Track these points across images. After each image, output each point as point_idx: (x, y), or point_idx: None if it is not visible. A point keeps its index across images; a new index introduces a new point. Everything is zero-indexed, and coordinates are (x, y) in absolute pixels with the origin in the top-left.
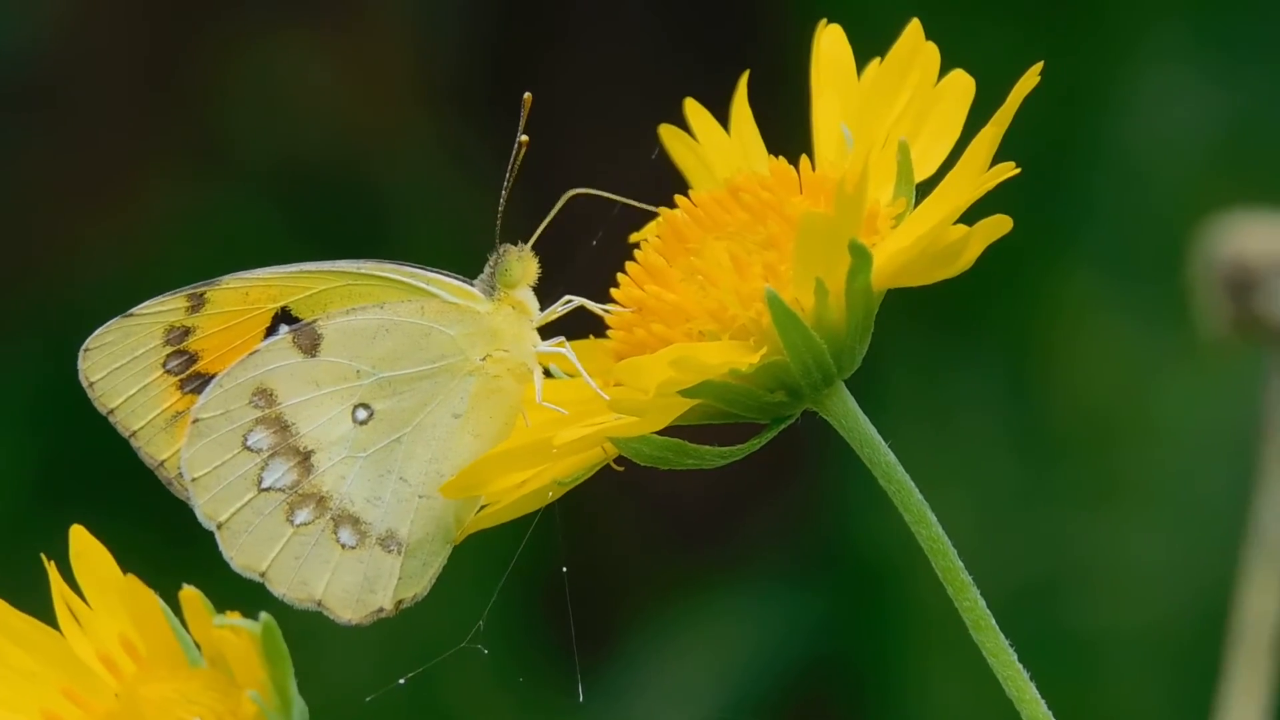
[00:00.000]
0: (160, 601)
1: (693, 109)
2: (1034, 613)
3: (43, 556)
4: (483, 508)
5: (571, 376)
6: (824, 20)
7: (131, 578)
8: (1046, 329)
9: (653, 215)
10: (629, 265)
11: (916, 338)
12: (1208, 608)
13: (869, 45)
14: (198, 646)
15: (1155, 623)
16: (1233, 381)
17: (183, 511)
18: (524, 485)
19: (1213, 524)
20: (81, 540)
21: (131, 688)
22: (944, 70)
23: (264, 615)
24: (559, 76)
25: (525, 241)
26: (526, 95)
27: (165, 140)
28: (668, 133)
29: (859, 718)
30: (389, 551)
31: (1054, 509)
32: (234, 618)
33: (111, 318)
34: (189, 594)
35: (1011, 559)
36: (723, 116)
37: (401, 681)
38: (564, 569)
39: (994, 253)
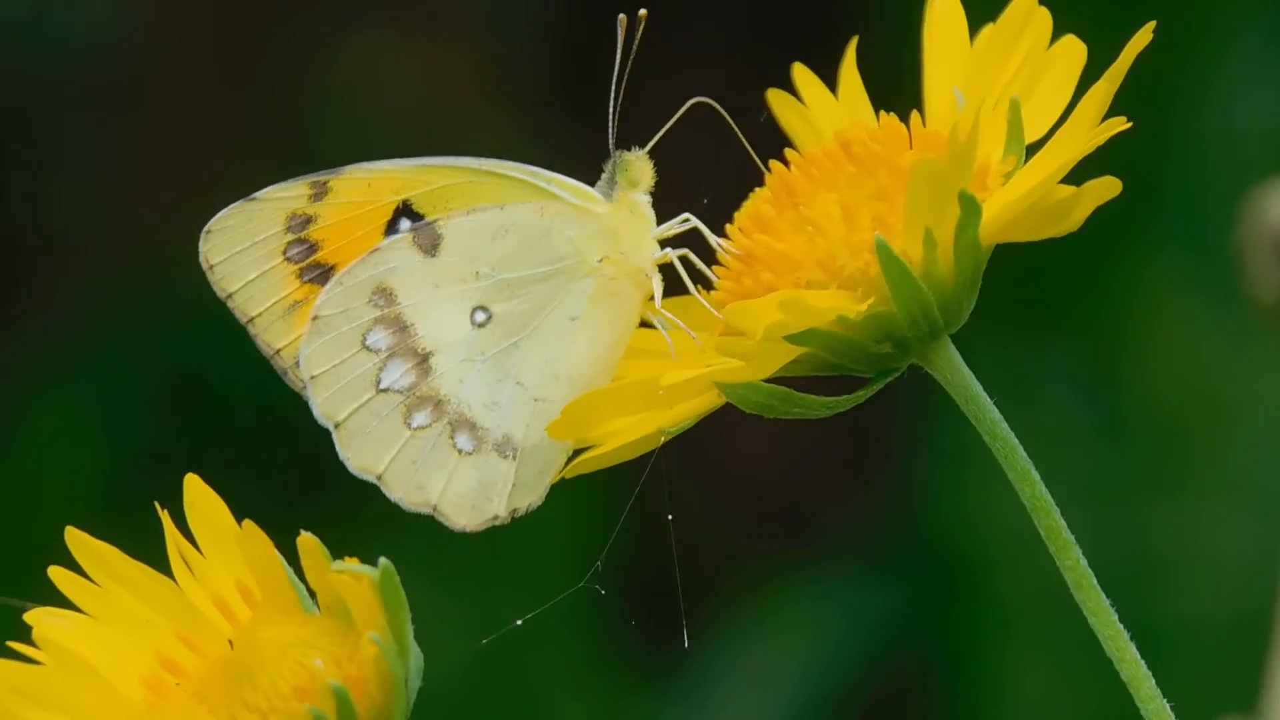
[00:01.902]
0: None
1: (801, 74)
2: (1112, 602)
3: (156, 505)
4: (578, 452)
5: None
6: None
7: (248, 523)
8: (1125, 316)
9: (749, 126)
10: (738, 215)
11: (997, 323)
12: None
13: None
14: (312, 594)
15: (1236, 614)
16: None
17: (249, 492)
18: (627, 431)
19: None
20: (196, 489)
21: (249, 631)
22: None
23: (383, 561)
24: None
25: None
26: (622, 16)
27: (243, 141)
28: (776, 97)
29: (941, 707)
30: (505, 457)
31: (1133, 496)
32: (352, 563)
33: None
34: (307, 540)
35: (1090, 547)
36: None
37: (519, 622)
38: (669, 517)
39: (1072, 239)
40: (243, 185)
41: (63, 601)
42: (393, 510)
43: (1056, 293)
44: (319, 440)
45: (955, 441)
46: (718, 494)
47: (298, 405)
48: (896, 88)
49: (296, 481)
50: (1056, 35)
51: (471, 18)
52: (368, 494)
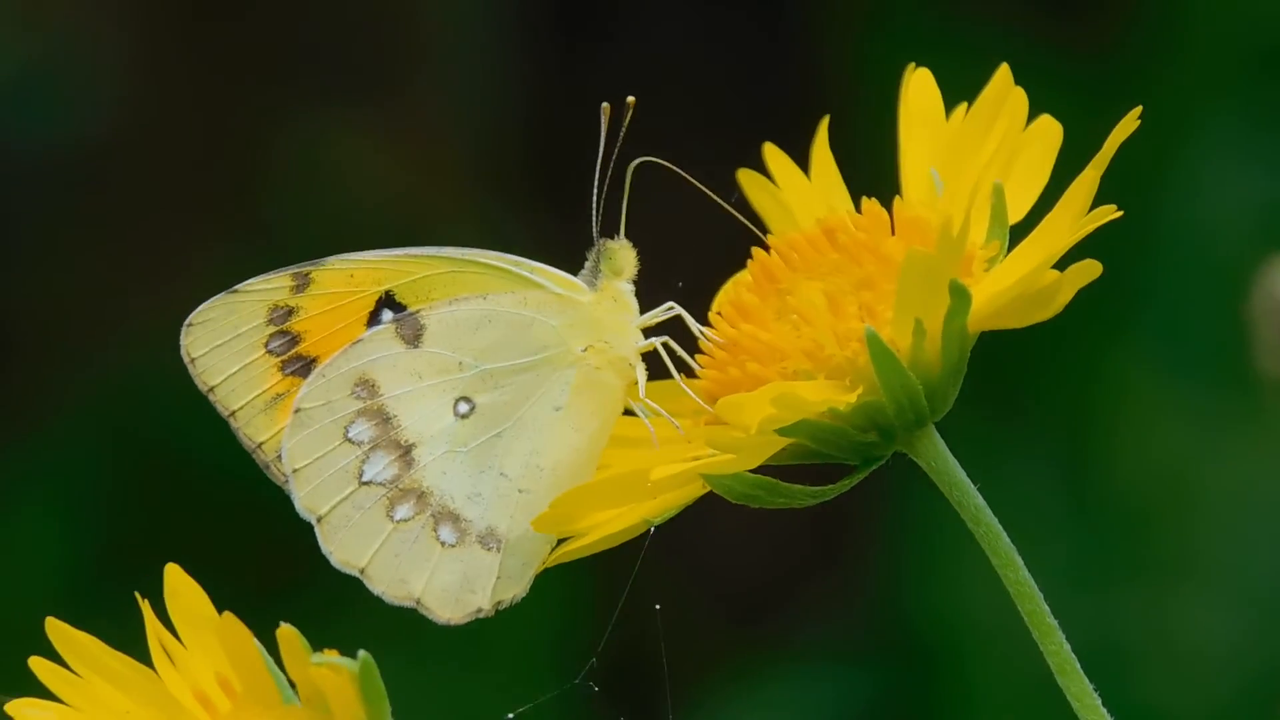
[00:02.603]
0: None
1: (772, 154)
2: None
3: (137, 595)
4: (561, 542)
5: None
6: (912, 64)
7: (228, 615)
8: (1100, 405)
9: (720, 207)
10: (720, 304)
11: (971, 411)
12: (1269, 691)
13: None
14: (292, 685)
15: (1213, 705)
16: None
17: (225, 586)
18: (613, 521)
19: (1272, 603)
20: (176, 578)
21: None
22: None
23: (362, 654)
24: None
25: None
26: (605, 105)
27: (215, 220)
28: (747, 177)
29: None
30: (488, 549)
31: (1108, 585)
32: (331, 656)
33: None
34: (287, 632)
35: (1069, 635)
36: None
37: (510, 717)
38: (657, 607)
39: (1048, 327)
40: (213, 271)
41: (43, 692)
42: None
43: (1026, 375)
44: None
45: (931, 527)
46: (695, 579)
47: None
48: (868, 164)
49: (271, 570)
50: (1032, 115)
51: (441, 115)
52: (347, 584)
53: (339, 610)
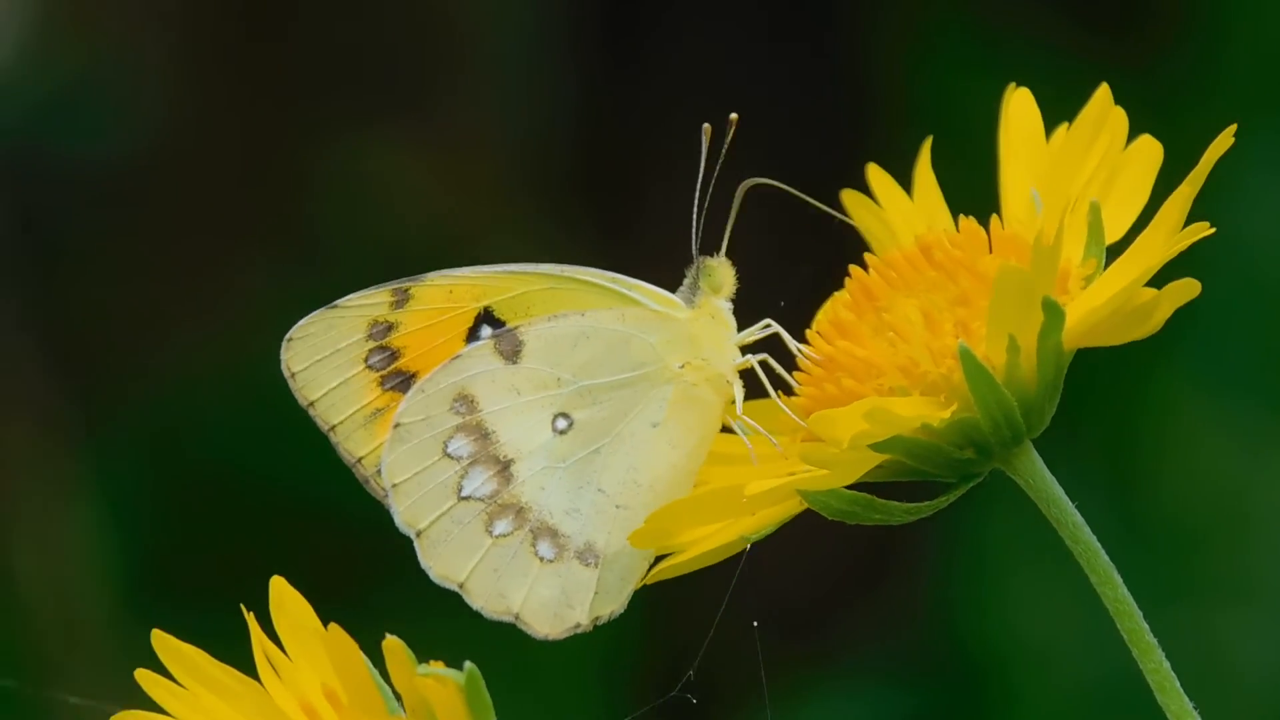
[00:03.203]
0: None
1: (875, 174)
2: (1134, 712)
3: (242, 607)
4: (661, 559)
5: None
6: (1012, 84)
7: (334, 626)
8: (1148, 425)
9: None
10: (819, 322)
11: None
12: None
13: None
14: (398, 696)
15: None
16: None
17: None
18: (711, 538)
19: None
20: (281, 591)
21: None
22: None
23: (468, 664)
24: (644, 167)
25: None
26: (733, 116)
27: (258, 235)
28: (850, 197)
29: None
30: (586, 565)
31: (1157, 605)
32: (437, 667)
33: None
34: (393, 643)
35: (1116, 658)
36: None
37: None
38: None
39: (1095, 348)
40: (257, 285)
41: (147, 704)
42: (418, 614)
43: (1074, 395)
44: (343, 541)
45: (980, 546)
46: (742, 596)
47: (318, 507)
48: (970, 186)
49: (318, 583)
50: (1133, 134)
51: (486, 130)
52: (394, 598)
53: (385, 624)
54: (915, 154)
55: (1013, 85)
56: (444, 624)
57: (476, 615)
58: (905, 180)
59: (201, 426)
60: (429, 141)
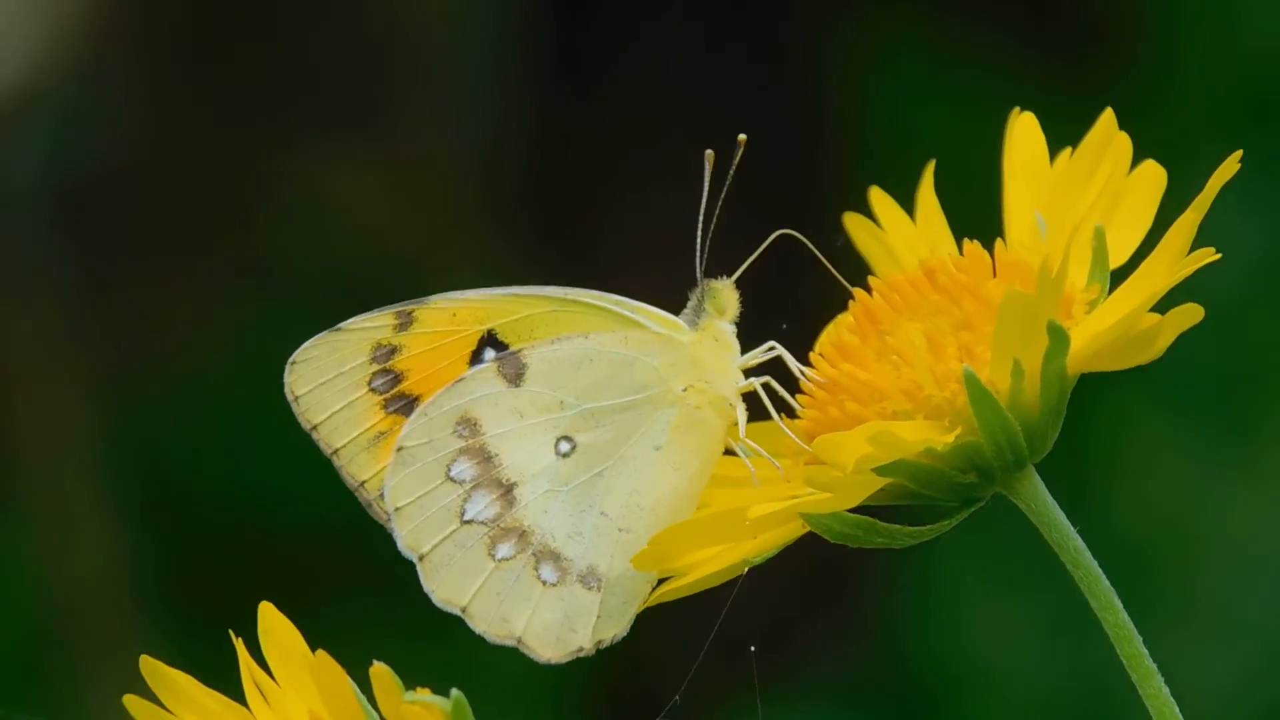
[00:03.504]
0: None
1: (878, 197)
2: None
3: (231, 633)
4: (663, 581)
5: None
6: (1017, 108)
7: (321, 653)
8: (1099, 446)
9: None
10: (822, 345)
11: None
12: None
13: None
14: None
15: None
16: None
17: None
18: (713, 561)
19: (1271, 646)
20: (270, 617)
21: None
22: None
23: (455, 691)
24: (599, 188)
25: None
26: (741, 137)
27: (212, 254)
28: (853, 221)
29: None
30: (589, 588)
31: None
32: (424, 694)
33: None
34: (380, 670)
35: (1061, 678)
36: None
37: None
38: (752, 649)
39: None
40: (211, 305)
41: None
42: (365, 634)
43: None
44: (296, 562)
45: (931, 568)
46: (696, 616)
47: (266, 532)
48: (973, 210)
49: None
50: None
51: (442, 149)
52: (341, 617)
53: (337, 644)
54: (870, 175)
55: (1017, 110)
56: (401, 645)
57: (441, 635)
58: (862, 202)
59: (155, 446)
60: (385, 159)
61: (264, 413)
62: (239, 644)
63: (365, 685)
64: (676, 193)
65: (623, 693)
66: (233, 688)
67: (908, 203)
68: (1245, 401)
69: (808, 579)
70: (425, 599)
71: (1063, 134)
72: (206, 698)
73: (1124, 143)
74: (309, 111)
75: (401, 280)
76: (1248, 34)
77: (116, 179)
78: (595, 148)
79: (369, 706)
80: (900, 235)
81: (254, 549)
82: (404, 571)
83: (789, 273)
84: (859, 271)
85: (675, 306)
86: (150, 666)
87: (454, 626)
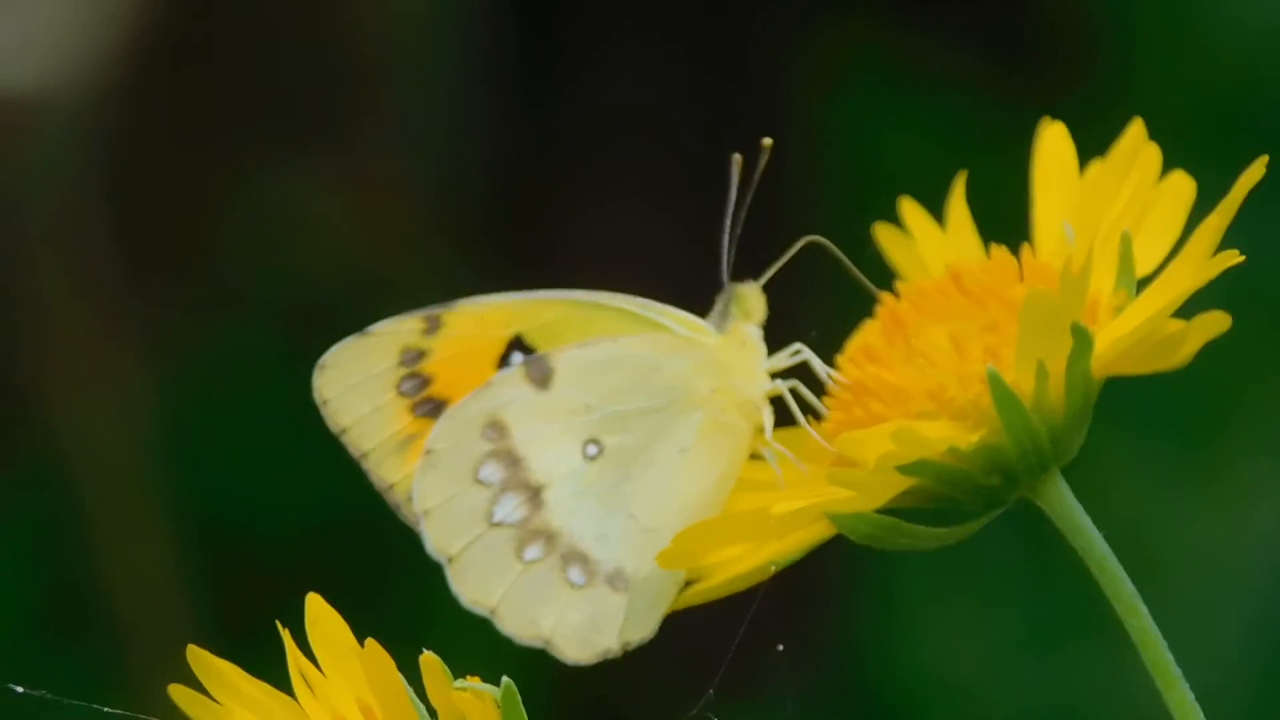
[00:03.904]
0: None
1: (908, 207)
2: None
3: (278, 624)
4: (690, 584)
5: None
6: (1045, 116)
7: (370, 642)
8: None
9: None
10: (847, 347)
11: None
12: None
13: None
14: (432, 712)
15: None
16: (1250, 518)
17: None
18: (738, 562)
19: (1237, 665)
20: (317, 608)
21: None
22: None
23: (505, 680)
24: (568, 224)
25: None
26: (766, 141)
27: (170, 275)
28: (883, 230)
29: None
30: (616, 590)
31: (1068, 644)
32: (474, 682)
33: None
34: (429, 659)
35: (1028, 696)
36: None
37: None
38: (779, 646)
39: None
40: (170, 324)
41: None
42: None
43: None
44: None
45: (889, 582)
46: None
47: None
48: (840, 215)
49: (249, 602)
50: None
51: (404, 168)
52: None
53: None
54: (830, 190)
55: (1046, 119)
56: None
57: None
58: (823, 217)
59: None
60: (347, 179)
61: (231, 423)
62: (285, 633)
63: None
64: (639, 208)
65: (582, 704)
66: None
67: (870, 222)
68: (1204, 417)
69: (768, 593)
70: (399, 602)
71: (1024, 150)
72: (253, 688)
73: (1153, 153)
74: (268, 130)
75: (361, 300)
76: (1205, 48)
77: (74, 193)
78: (558, 164)
79: (416, 697)
80: (930, 244)
81: (238, 557)
82: (378, 575)
83: (814, 280)
84: (881, 282)
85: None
86: (197, 656)
87: (427, 634)
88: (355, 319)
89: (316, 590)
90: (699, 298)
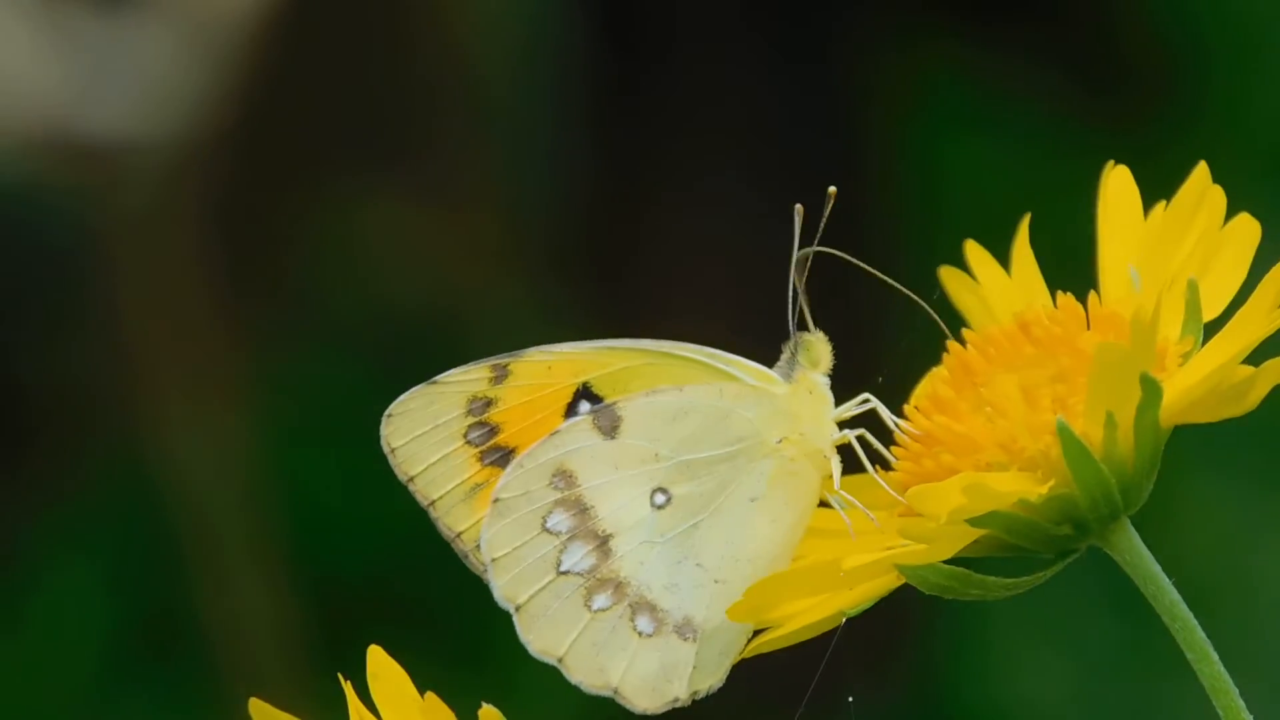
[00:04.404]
0: None
1: (973, 250)
2: None
3: (339, 676)
4: (758, 632)
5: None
6: (1111, 161)
7: (431, 695)
8: (1149, 501)
9: (888, 285)
10: (917, 398)
11: None
12: None
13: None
14: None
15: None
16: None
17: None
18: (809, 612)
19: None
20: (378, 660)
21: None
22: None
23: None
24: (649, 242)
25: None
26: (831, 189)
27: (258, 301)
28: (948, 274)
29: None
30: (685, 639)
31: (1157, 676)
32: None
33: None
34: (489, 713)
35: None
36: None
37: None
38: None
39: None
40: (256, 350)
41: None
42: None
43: None
44: (325, 602)
45: (978, 615)
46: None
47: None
48: (912, 233)
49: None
50: (1230, 213)
51: (491, 187)
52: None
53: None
54: (904, 206)
55: (1111, 163)
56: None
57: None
58: (892, 229)
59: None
60: (432, 199)
61: (291, 455)
62: (347, 686)
63: None
64: (734, 221)
65: None
66: None
67: (947, 239)
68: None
69: (853, 624)
70: (455, 628)
71: (1097, 171)
72: None
73: (1218, 196)
74: (361, 154)
75: (447, 323)
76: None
77: (149, 214)
78: (642, 182)
79: None
80: (996, 289)
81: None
82: (468, 606)
83: (886, 324)
84: (958, 327)
85: (736, 347)
86: (259, 709)
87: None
88: (443, 344)
89: (402, 625)
90: (781, 320)
